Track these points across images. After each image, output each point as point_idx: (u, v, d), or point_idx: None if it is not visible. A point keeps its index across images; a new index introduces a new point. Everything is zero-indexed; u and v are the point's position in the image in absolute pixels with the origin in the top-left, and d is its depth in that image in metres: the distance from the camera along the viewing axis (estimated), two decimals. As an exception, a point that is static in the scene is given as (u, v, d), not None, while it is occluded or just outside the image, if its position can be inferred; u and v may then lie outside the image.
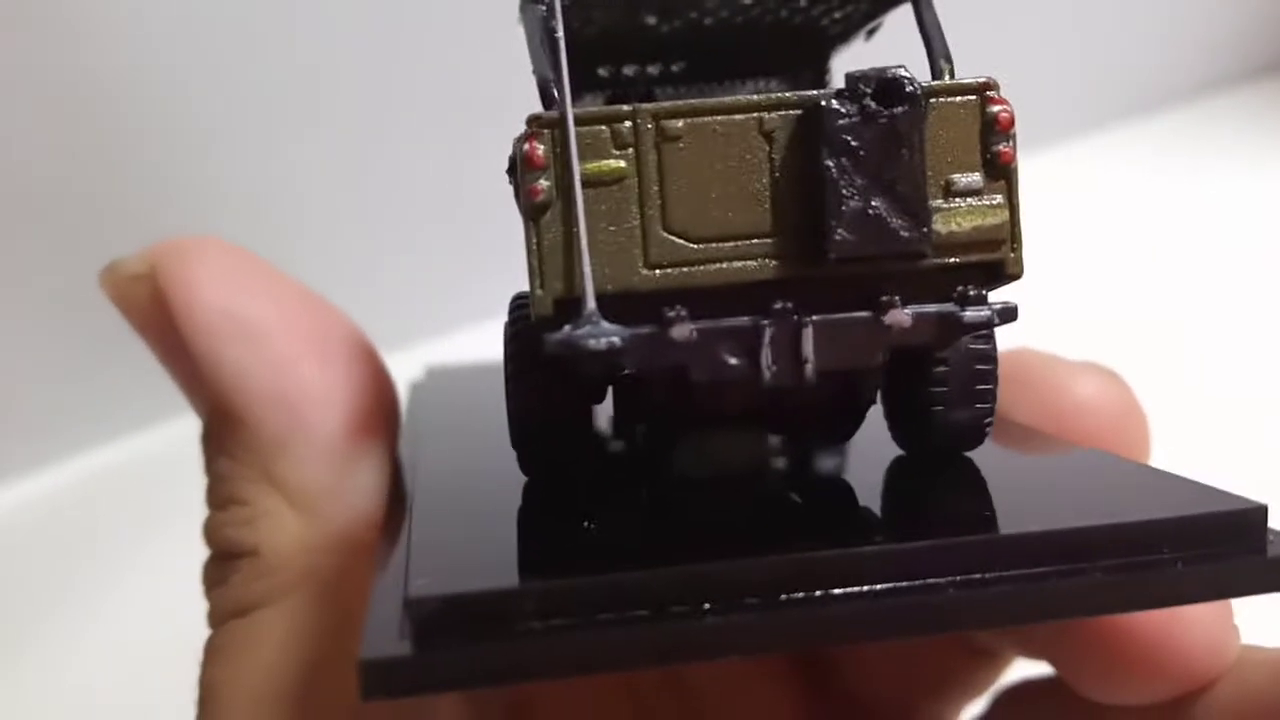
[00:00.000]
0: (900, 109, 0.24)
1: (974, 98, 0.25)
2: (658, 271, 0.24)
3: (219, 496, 0.34)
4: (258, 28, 0.82)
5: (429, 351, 0.72)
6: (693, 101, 0.25)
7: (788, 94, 0.25)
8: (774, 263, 0.24)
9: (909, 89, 0.24)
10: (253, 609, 0.32)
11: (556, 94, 0.25)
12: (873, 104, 0.24)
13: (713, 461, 0.28)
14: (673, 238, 0.24)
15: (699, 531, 0.25)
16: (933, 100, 0.25)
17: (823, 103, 0.24)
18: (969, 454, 0.29)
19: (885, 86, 0.24)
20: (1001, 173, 0.25)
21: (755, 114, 0.25)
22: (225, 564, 0.33)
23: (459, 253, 0.87)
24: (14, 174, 0.77)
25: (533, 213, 0.24)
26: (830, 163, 0.24)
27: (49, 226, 0.80)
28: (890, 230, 0.24)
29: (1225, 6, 1.25)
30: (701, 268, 0.24)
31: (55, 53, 0.76)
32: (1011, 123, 0.25)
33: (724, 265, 0.24)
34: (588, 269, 0.23)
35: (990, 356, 0.28)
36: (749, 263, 0.24)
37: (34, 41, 0.75)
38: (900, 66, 0.24)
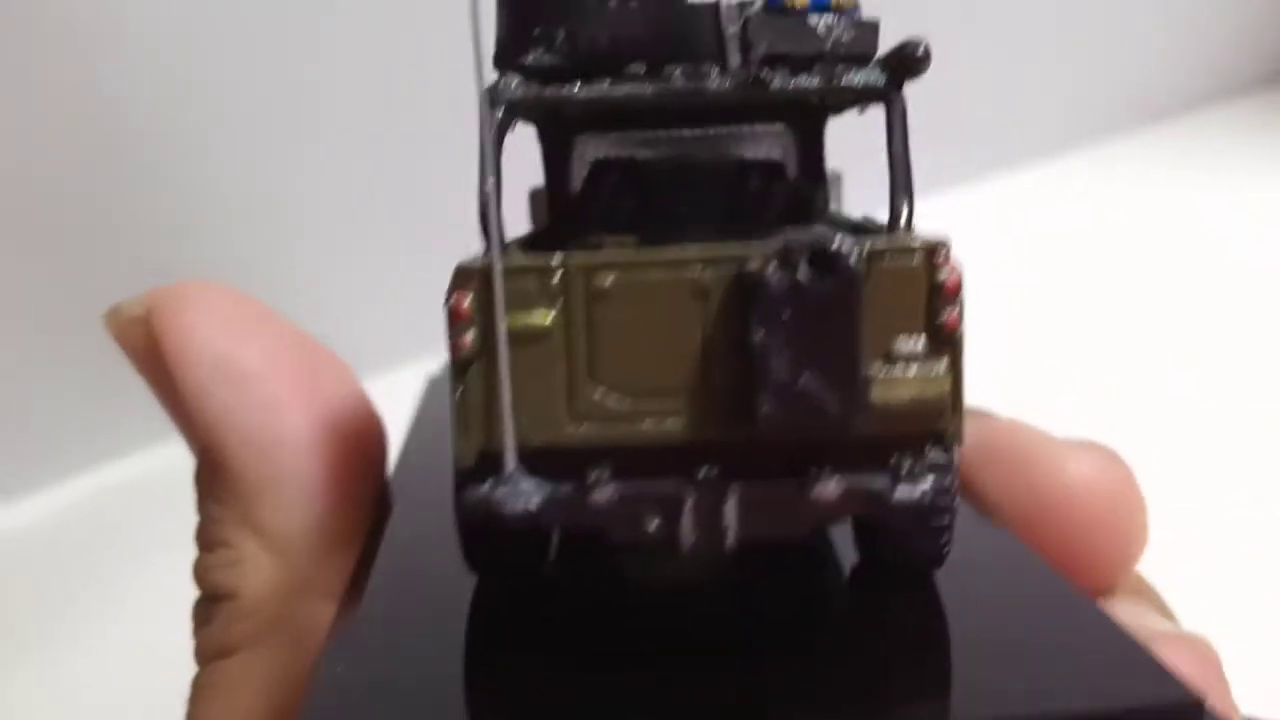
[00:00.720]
0: (835, 281, 0.22)
1: (920, 261, 0.23)
2: (584, 427, 0.24)
3: (205, 538, 0.35)
4: (263, 37, 0.81)
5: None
6: (625, 254, 0.24)
7: (724, 249, 0.24)
8: (703, 425, 0.24)
9: (846, 261, 0.22)
10: (232, 652, 0.33)
11: (489, 230, 0.24)
12: (806, 275, 0.22)
13: (661, 578, 0.28)
14: (600, 394, 0.24)
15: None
16: (876, 263, 0.23)
17: (753, 270, 0.23)
18: (924, 574, 0.28)
19: (820, 258, 0.22)
20: (946, 340, 0.23)
21: (689, 272, 0.23)
22: (210, 605, 0.34)
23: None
24: (21, 191, 0.77)
25: (458, 366, 0.24)
26: (759, 334, 0.23)
27: (52, 247, 0.79)
28: (819, 405, 0.23)
29: (1219, 21, 1.24)
30: (628, 426, 0.24)
31: (61, 68, 0.76)
32: (959, 289, 0.23)
33: (652, 424, 0.24)
34: (509, 427, 0.23)
35: (946, 490, 0.27)
36: (677, 423, 0.24)
37: (43, 56, 0.75)
38: (839, 234, 0.23)
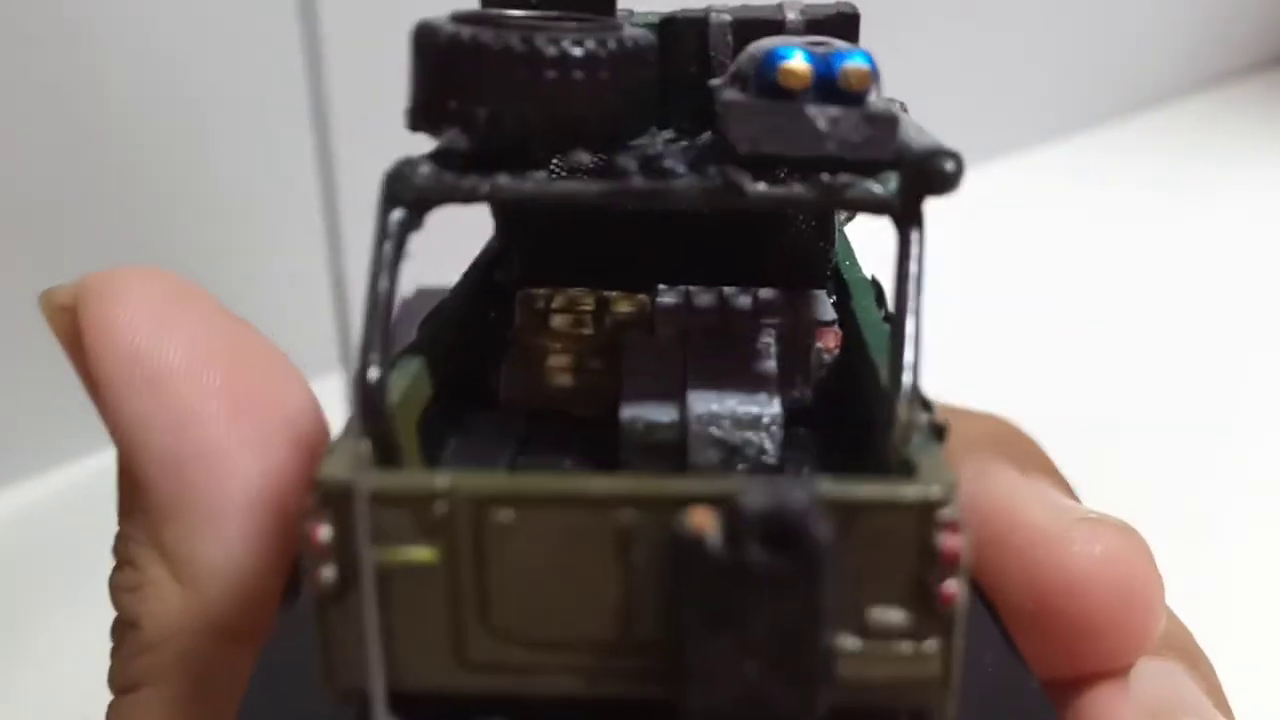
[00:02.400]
0: (793, 562, 0.17)
1: (912, 518, 0.18)
2: (473, 676, 0.20)
3: (118, 555, 0.31)
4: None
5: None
6: (529, 484, 0.19)
7: (654, 486, 0.19)
8: (622, 682, 0.19)
9: (810, 535, 0.17)
10: (135, 687, 0.30)
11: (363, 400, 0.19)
12: (754, 550, 0.17)
13: None
14: (495, 639, 0.19)
15: None
16: (852, 521, 0.18)
17: (688, 535, 0.18)
18: None
19: (776, 531, 0.17)
20: (937, 615, 0.19)
21: (607, 511, 0.18)
22: (118, 630, 0.31)
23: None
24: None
25: (319, 603, 0.19)
26: (690, 614, 0.18)
27: (39, 229, 0.75)
28: (764, 701, 0.18)
29: (1203, 8, 1.23)
30: (526, 678, 0.19)
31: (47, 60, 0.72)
32: (957, 557, 0.18)
33: (553, 681, 0.19)
34: (376, 674, 0.19)
35: None
36: (591, 677, 0.19)
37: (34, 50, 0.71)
38: (802, 488, 0.18)
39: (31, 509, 0.82)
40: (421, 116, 0.22)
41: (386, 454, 0.20)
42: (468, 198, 0.22)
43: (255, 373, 0.31)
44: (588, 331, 0.28)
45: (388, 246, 0.22)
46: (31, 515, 0.81)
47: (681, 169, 0.22)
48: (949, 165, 0.21)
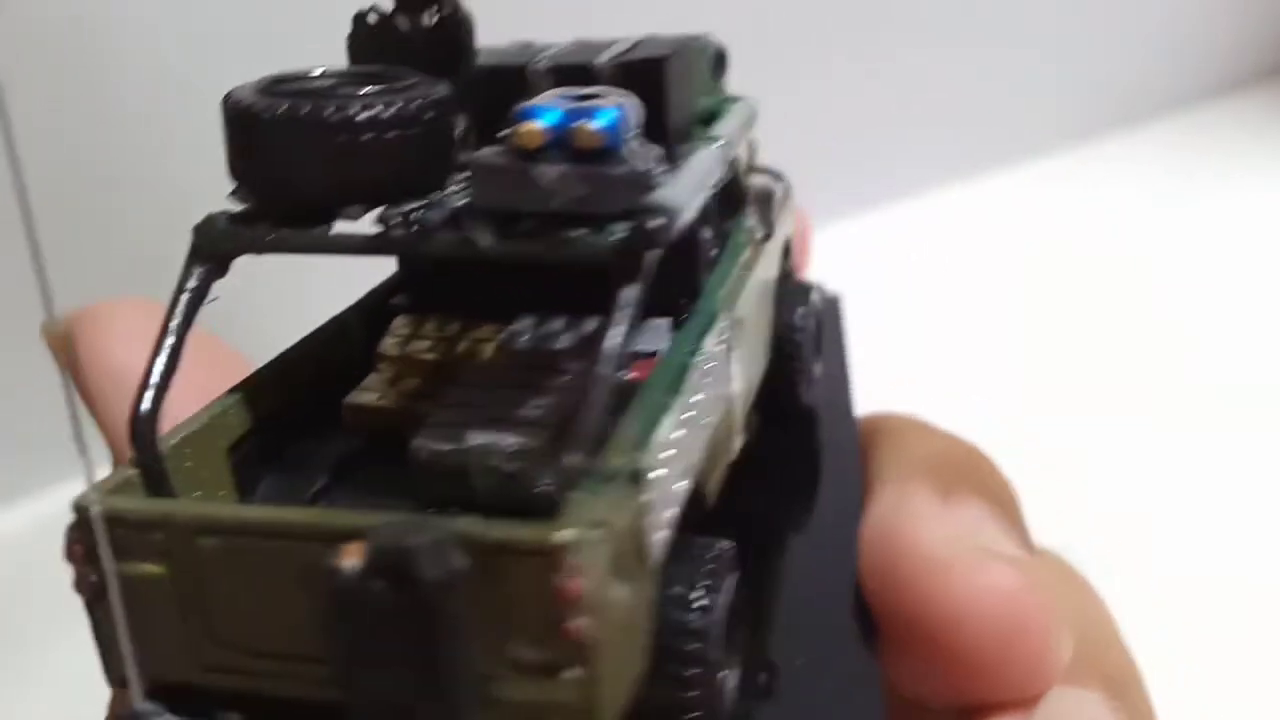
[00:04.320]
0: (410, 597, 0.19)
1: (535, 561, 0.20)
2: (211, 675, 0.23)
3: None
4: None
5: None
6: (231, 514, 0.22)
7: (312, 519, 0.21)
8: (321, 689, 0.22)
9: (417, 573, 0.19)
10: None
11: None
12: (375, 584, 0.19)
13: None
14: (218, 646, 0.22)
15: None
16: (480, 563, 0.20)
17: (331, 567, 0.20)
18: None
19: (392, 568, 0.19)
20: (570, 649, 0.20)
21: (288, 542, 0.21)
22: None
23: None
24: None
25: (87, 606, 0.23)
26: (338, 634, 0.20)
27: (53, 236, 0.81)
28: (413, 716, 0.20)
29: (1211, 18, 1.25)
30: (255, 679, 0.22)
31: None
32: (579, 595, 0.20)
33: (276, 680, 0.22)
34: (131, 665, 0.22)
35: None
36: (298, 682, 0.22)
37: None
38: (429, 529, 0.19)
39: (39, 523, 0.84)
40: (232, 176, 0.25)
41: (154, 482, 0.23)
42: (259, 250, 0.25)
43: (216, 374, 0.36)
44: (431, 358, 0.30)
45: (187, 291, 0.25)
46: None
47: (436, 224, 0.24)
48: (659, 224, 0.22)
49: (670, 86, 0.28)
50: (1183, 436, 0.79)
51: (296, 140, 0.24)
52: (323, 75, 0.26)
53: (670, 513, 0.24)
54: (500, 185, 0.23)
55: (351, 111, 0.24)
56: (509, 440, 0.25)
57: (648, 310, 0.30)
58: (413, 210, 0.24)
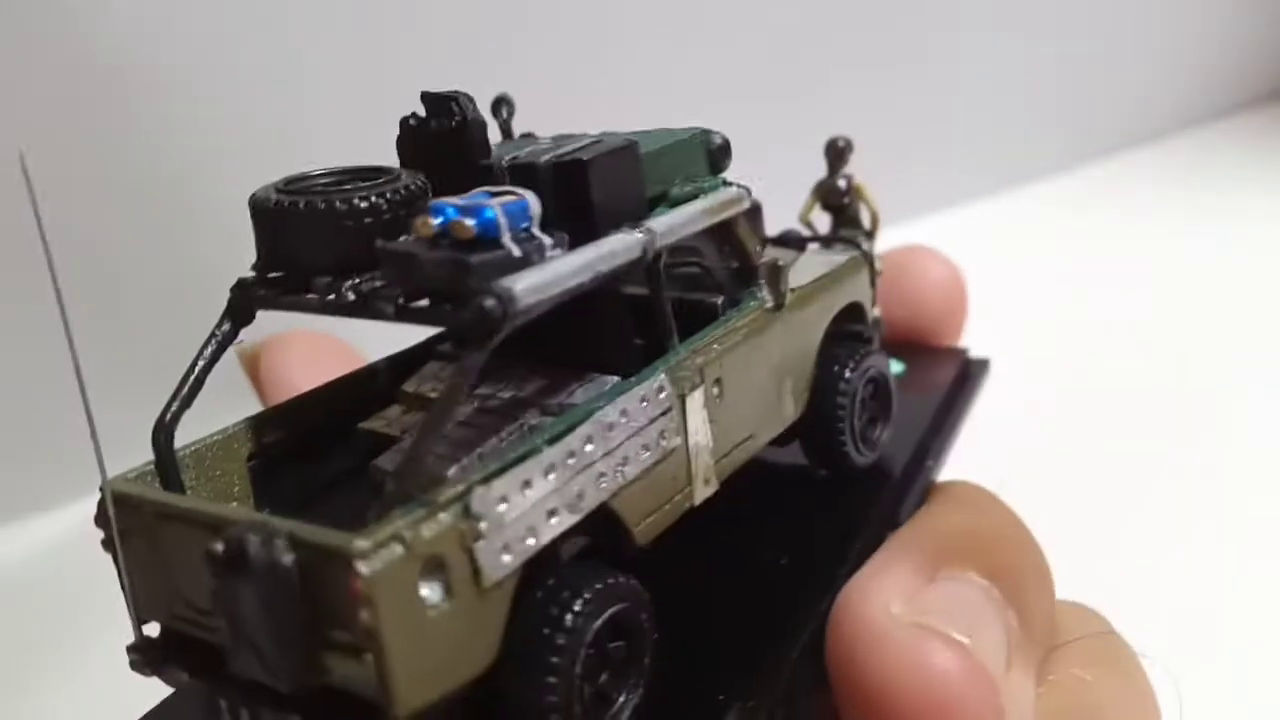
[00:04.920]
0: (249, 578, 0.26)
1: (336, 563, 0.26)
2: (175, 621, 0.31)
3: None
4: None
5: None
6: (171, 502, 0.30)
7: (213, 514, 0.28)
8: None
9: (256, 559, 0.26)
10: None
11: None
12: (219, 568, 0.26)
13: None
14: (171, 599, 0.30)
15: None
16: (309, 551, 0.26)
17: (209, 550, 0.27)
18: None
19: (238, 553, 0.26)
20: (363, 637, 0.26)
21: (200, 529, 0.28)
22: None
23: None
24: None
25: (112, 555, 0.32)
26: (215, 603, 0.27)
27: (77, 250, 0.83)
28: (261, 670, 0.27)
29: (1219, 40, 1.28)
30: (197, 628, 0.30)
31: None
32: (359, 594, 0.25)
33: (207, 631, 0.30)
34: (129, 604, 0.31)
35: None
36: (210, 633, 0.30)
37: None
38: (265, 531, 0.26)
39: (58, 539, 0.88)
40: (257, 253, 0.34)
41: (166, 477, 0.32)
42: (275, 308, 0.33)
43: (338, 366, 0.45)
44: (435, 397, 0.37)
45: (219, 334, 0.33)
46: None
47: (352, 296, 0.31)
48: (492, 311, 0.27)
49: (594, 184, 0.32)
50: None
51: (296, 227, 0.32)
52: (322, 174, 0.34)
53: (527, 541, 0.29)
54: (397, 265, 0.30)
55: (338, 205, 0.31)
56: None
57: (599, 366, 0.35)
58: (361, 282, 0.31)
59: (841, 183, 0.52)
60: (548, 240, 0.30)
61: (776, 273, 0.40)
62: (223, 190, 0.92)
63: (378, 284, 0.31)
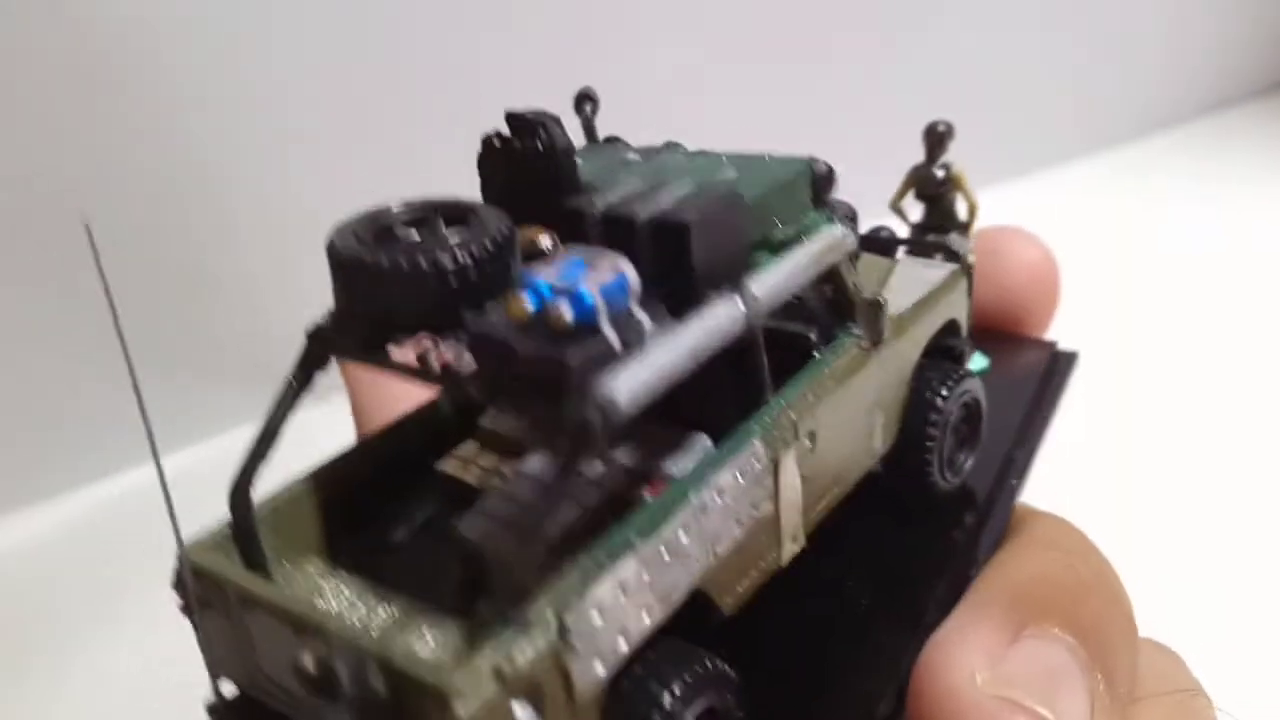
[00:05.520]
0: (334, 698, 0.25)
1: (431, 693, 0.24)
2: (258, 689, 0.30)
3: None
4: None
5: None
6: (254, 590, 0.28)
7: (302, 615, 0.27)
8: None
9: (348, 686, 0.25)
10: None
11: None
12: (322, 682, 0.26)
13: None
14: (251, 668, 0.30)
15: None
16: (400, 678, 0.25)
17: (296, 654, 0.26)
18: None
19: (328, 675, 0.25)
20: None
21: (281, 621, 0.27)
22: None
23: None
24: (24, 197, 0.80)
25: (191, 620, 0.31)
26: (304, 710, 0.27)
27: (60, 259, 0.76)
28: None
29: (1230, 28, 1.27)
30: (271, 698, 0.30)
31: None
32: None
33: (285, 705, 0.29)
34: (206, 660, 0.31)
35: None
36: (298, 712, 0.29)
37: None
38: (356, 651, 0.25)
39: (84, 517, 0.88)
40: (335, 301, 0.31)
41: (244, 542, 0.31)
42: (353, 359, 0.31)
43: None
44: (512, 437, 0.35)
45: (294, 380, 0.32)
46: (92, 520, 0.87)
47: (439, 369, 0.29)
48: (591, 420, 0.25)
49: (696, 247, 0.30)
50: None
51: (380, 284, 0.30)
52: (403, 211, 0.31)
53: (620, 647, 0.28)
54: (491, 353, 0.27)
55: (426, 266, 0.29)
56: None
57: (695, 423, 0.33)
58: (447, 350, 0.29)
59: (939, 172, 0.49)
60: (647, 322, 0.28)
61: (877, 310, 0.37)
62: (236, 176, 0.90)
63: (465, 356, 0.29)
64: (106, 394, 0.81)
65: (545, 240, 0.33)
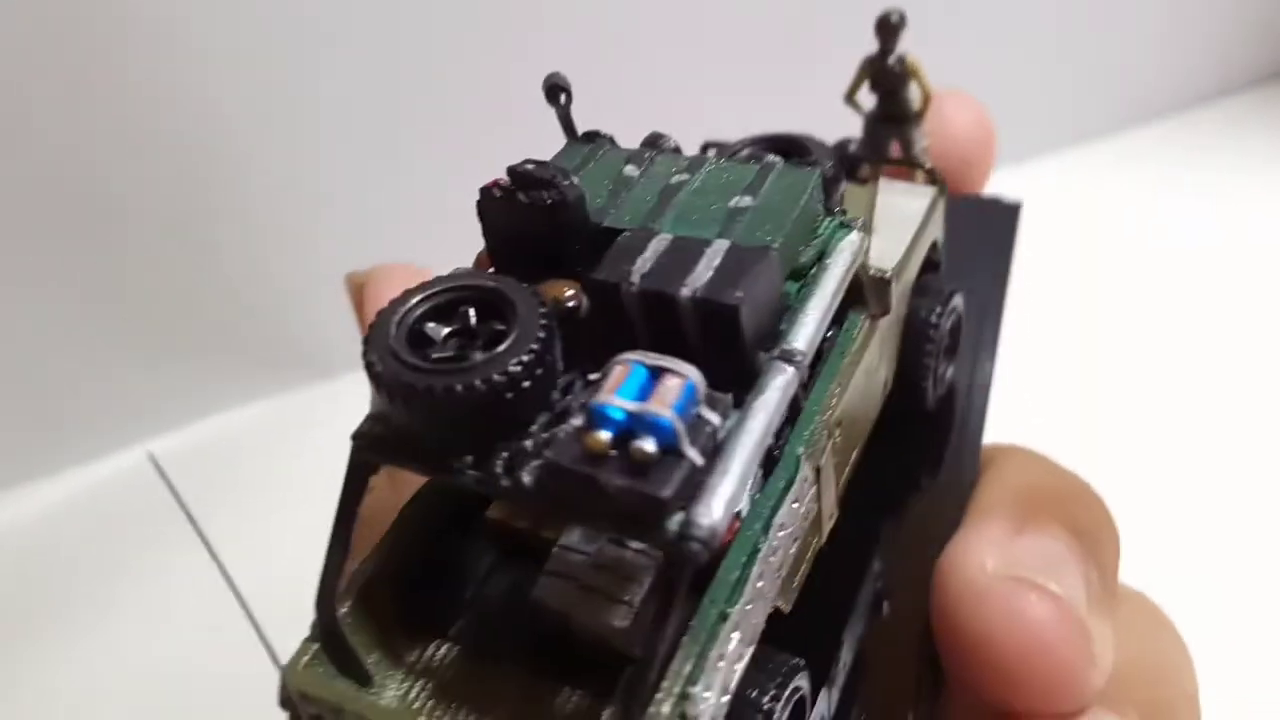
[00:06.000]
0: None
1: None
2: None
3: None
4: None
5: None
6: (354, 706, 0.30)
7: None
8: None
9: None
10: None
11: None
12: None
13: None
14: None
15: None
16: None
17: None
18: None
19: None
20: None
21: None
22: None
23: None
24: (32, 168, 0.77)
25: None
26: None
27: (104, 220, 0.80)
28: None
29: (1227, 15, 1.24)
30: None
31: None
32: None
33: None
34: None
35: None
36: None
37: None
38: None
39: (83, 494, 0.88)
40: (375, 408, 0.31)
41: (335, 652, 0.32)
42: (402, 467, 0.31)
43: None
44: None
45: (350, 488, 0.31)
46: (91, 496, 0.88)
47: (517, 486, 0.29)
48: (694, 548, 0.26)
49: (745, 325, 0.30)
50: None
51: (427, 410, 0.29)
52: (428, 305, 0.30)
53: (723, 701, 0.30)
54: (574, 488, 0.28)
55: (474, 384, 0.28)
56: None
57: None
58: (503, 464, 0.29)
59: (894, 63, 0.48)
60: (717, 420, 0.29)
61: (885, 287, 0.38)
62: (253, 148, 0.86)
63: (535, 463, 0.29)
64: (117, 370, 0.86)
65: (570, 294, 0.32)
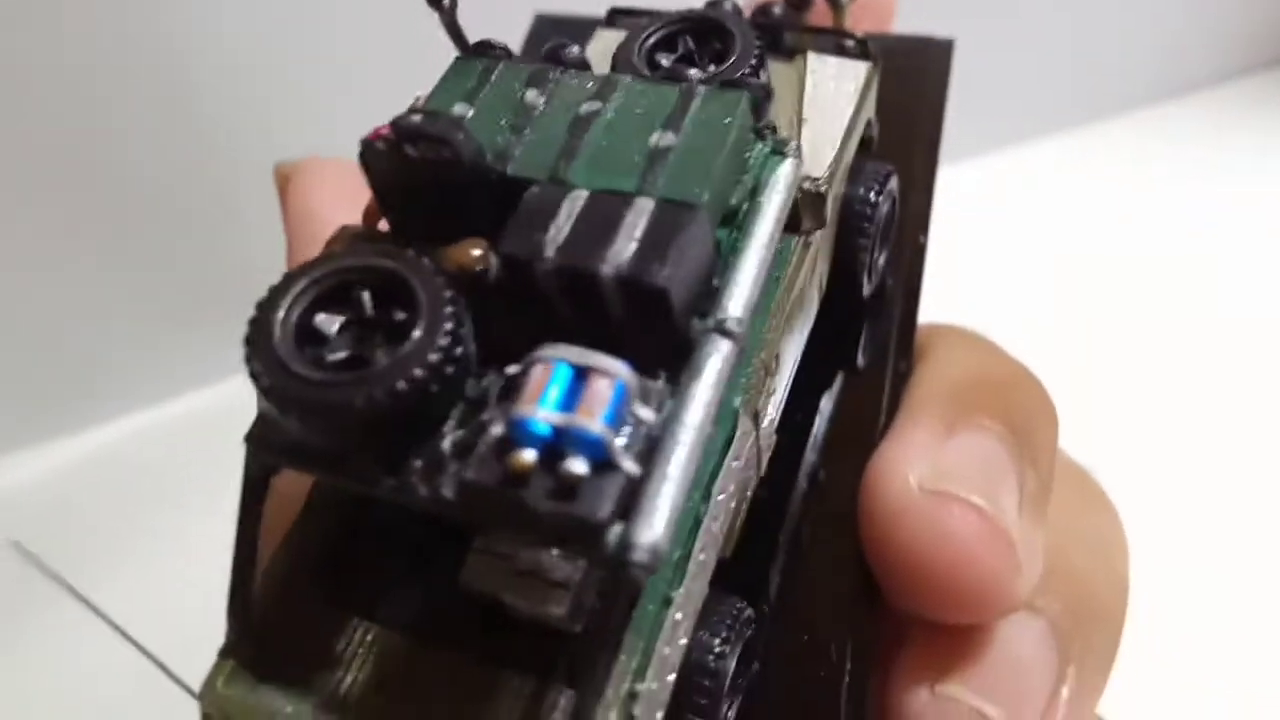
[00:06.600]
0: None
1: None
2: None
3: None
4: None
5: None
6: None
7: None
8: None
9: None
10: None
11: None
12: None
13: None
14: None
15: None
16: None
17: None
18: None
19: None
20: None
21: None
22: None
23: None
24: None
25: None
26: None
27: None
28: None
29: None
30: None
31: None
32: None
33: None
34: None
35: None
36: None
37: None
38: None
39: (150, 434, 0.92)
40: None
41: (258, 662, 0.30)
42: (301, 470, 0.28)
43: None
44: None
45: (251, 496, 0.29)
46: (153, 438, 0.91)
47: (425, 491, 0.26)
48: (636, 574, 0.24)
49: (676, 305, 0.27)
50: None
51: (323, 425, 0.26)
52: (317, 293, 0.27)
53: (669, 679, 0.29)
54: (500, 512, 0.25)
55: (376, 396, 0.25)
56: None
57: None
58: (419, 473, 0.26)
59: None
60: (651, 417, 0.26)
61: (819, 202, 0.34)
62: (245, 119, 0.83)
63: (454, 469, 0.26)
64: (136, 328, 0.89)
65: (477, 254, 0.28)
